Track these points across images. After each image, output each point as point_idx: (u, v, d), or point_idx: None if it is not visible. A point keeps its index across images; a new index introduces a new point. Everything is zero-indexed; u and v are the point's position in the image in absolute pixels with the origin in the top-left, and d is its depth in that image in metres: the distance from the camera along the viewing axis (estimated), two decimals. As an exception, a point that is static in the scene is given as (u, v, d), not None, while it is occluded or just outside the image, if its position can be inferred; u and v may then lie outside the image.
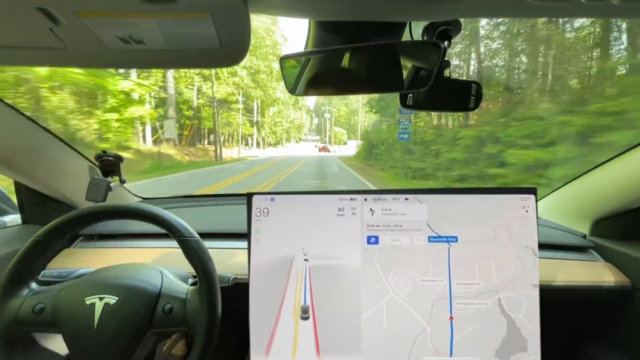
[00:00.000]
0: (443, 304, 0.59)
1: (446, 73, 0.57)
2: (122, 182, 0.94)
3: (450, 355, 0.58)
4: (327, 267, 0.61)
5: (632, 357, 0.78)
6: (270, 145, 47.46)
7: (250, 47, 0.41)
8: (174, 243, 0.59)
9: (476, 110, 0.63)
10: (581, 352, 0.91)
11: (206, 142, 23.94)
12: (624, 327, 0.80)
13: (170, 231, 0.59)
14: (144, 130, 14.91)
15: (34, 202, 0.93)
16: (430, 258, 0.60)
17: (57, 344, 0.84)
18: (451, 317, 0.59)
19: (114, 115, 9.84)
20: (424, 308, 0.59)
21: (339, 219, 0.62)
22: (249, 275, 0.61)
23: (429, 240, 0.60)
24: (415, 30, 0.54)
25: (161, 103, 17.22)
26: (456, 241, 0.60)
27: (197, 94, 20.71)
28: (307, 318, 0.60)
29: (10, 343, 0.55)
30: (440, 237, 0.60)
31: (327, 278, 0.61)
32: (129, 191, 1.15)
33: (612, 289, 0.77)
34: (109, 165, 0.90)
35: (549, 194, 1.03)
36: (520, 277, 0.59)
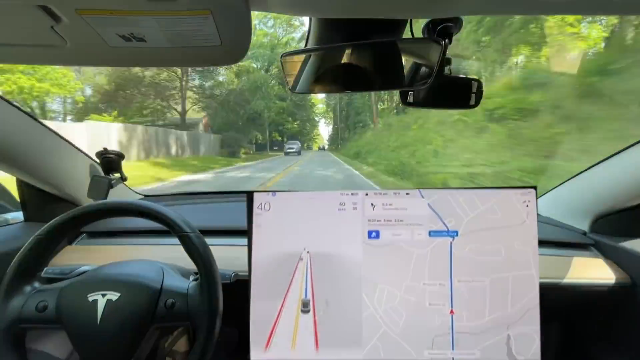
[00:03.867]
0: (443, 304, 0.59)
1: (447, 70, 0.57)
2: (124, 179, 0.95)
3: (452, 349, 0.59)
4: (328, 261, 0.61)
5: (632, 353, 0.79)
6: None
7: None
8: (176, 240, 0.60)
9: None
10: (580, 349, 0.91)
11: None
12: (624, 324, 0.81)
13: (170, 227, 0.59)
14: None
15: (35, 200, 0.93)
16: (429, 257, 0.60)
17: (57, 345, 0.85)
18: (451, 311, 0.59)
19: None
20: (424, 313, 0.59)
21: (340, 214, 0.62)
22: (249, 269, 0.61)
23: (430, 235, 0.61)
24: (416, 28, 0.54)
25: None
26: (457, 235, 0.60)
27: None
28: (307, 312, 0.60)
29: (14, 340, 0.56)
30: (441, 231, 0.61)
31: (328, 272, 0.61)
32: (130, 188, 1.15)
33: (612, 286, 0.78)
34: (110, 162, 0.90)
35: (548, 191, 1.03)
36: (523, 272, 0.59)
